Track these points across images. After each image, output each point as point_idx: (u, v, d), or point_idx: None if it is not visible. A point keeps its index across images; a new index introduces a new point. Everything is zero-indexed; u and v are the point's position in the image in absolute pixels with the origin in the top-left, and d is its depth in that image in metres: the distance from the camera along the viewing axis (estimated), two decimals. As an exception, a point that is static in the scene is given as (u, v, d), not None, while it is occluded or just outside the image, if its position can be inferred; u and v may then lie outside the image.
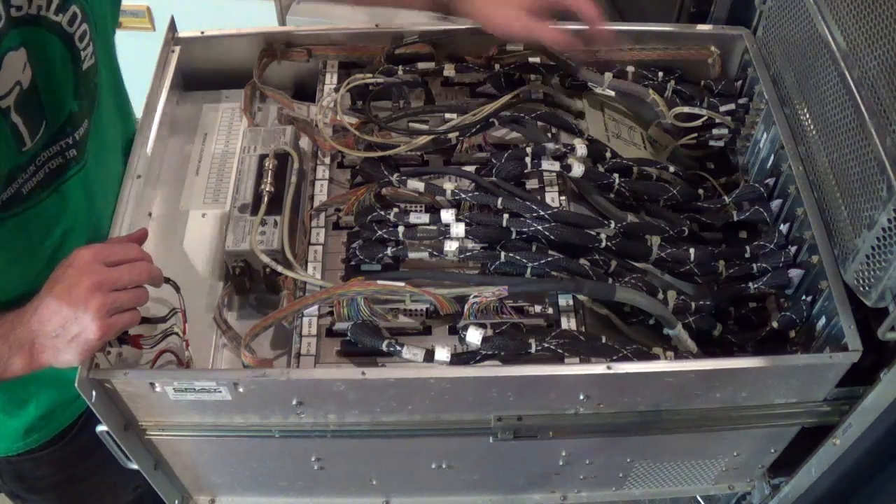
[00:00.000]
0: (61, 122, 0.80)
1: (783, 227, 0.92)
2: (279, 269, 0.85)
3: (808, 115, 0.92)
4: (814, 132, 0.90)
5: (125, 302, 0.74)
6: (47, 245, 0.86)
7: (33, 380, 0.93)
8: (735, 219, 0.95)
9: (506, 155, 0.94)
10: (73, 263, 0.73)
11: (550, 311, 0.86)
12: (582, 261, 0.86)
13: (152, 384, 0.76)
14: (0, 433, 0.97)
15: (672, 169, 0.99)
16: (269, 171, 0.91)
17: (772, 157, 0.97)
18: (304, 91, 1.06)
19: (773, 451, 0.94)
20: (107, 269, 0.73)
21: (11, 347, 0.73)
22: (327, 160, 0.97)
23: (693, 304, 0.88)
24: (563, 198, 0.94)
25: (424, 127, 0.98)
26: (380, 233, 0.88)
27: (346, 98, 1.01)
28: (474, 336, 0.79)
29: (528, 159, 0.93)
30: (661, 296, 0.86)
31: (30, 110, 0.76)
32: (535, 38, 0.93)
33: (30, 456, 0.99)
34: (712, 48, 1.08)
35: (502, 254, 0.85)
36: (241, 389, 0.77)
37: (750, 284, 0.89)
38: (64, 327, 0.71)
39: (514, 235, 0.88)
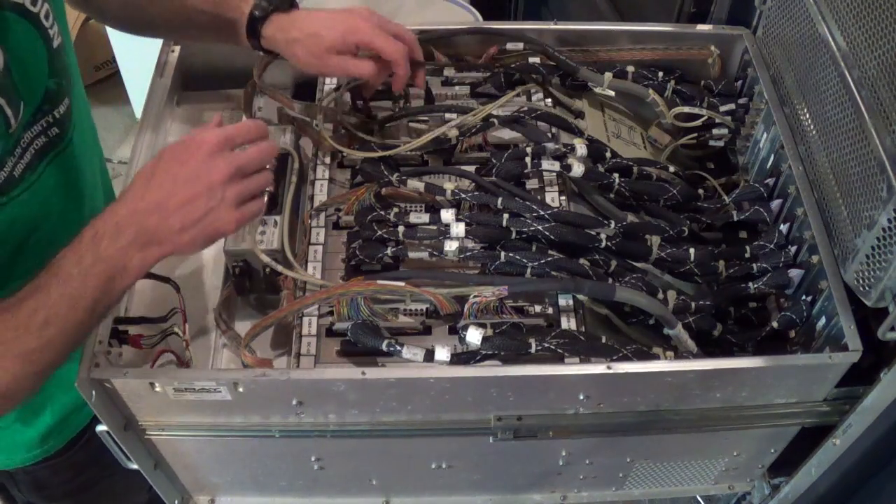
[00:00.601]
0: (39, 102, 0.80)
1: (783, 227, 0.92)
2: (279, 269, 0.85)
3: (808, 115, 0.92)
4: (814, 132, 0.90)
5: (255, 188, 0.71)
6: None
7: (47, 385, 0.93)
8: (735, 219, 0.95)
9: (506, 155, 0.94)
10: (200, 152, 0.68)
11: (550, 311, 0.86)
12: (582, 261, 0.86)
13: (152, 384, 0.76)
14: (17, 443, 0.96)
15: (672, 169, 0.99)
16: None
17: (772, 157, 0.97)
18: (304, 91, 1.06)
19: (773, 451, 0.94)
20: (236, 154, 0.70)
21: (124, 252, 0.68)
22: (327, 160, 0.97)
23: (693, 304, 0.88)
24: (563, 198, 0.94)
25: (424, 127, 0.98)
26: (380, 233, 0.88)
27: (346, 98, 1.01)
28: (474, 336, 0.79)
29: (528, 159, 0.93)
30: (661, 296, 0.86)
31: (8, 92, 0.76)
32: (347, 74, 0.90)
33: (46, 463, 0.99)
34: (712, 48, 1.08)
35: (502, 254, 0.85)
36: (241, 389, 0.77)
37: (750, 284, 0.89)
38: (195, 220, 0.68)
39: (514, 235, 0.88)
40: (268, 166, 0.75)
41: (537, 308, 0.86)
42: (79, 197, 0.90)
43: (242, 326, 0.87)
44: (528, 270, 0.85)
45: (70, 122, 0.85)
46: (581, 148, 0.94)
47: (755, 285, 0.89)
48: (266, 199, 0.72)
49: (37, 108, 0.80)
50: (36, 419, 0.94)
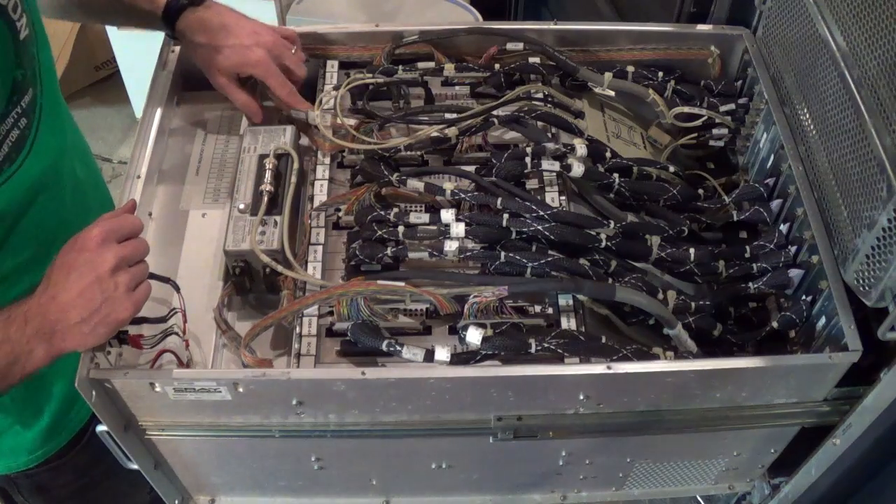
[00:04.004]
0: (8, 93, 0.80)
1: (783, 227, 0.92)
2: (279, 269, 0.85)
3: (808, 115, 0.92)
4: (814, 132, 0.90)
5: (142, 275, 0.75)
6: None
7: (46, 384, 0.93)
8: (735, 219, 0.95)
9: (506, 155, 0.94)
10: (87, 246, 0.72)
11: (550, 311, 0.86)
12: (582, 261, 0.86)
13: (152, 384, 0.76)
14: (19, 446, 0.96)
15: (672, 169, 0.99)
16: (269, 171, 0.91)
17: (772, 157, 0.97)
18: (304, 91, 1.06)
19: (773, 451, 0.94)
20: (121, 245, 0.74)
21: (30, 340, 0.72)
22: (327, 160, 0.97)
23: (693, 304, 0.88)
24: (563, 198, 0.94)
25: (424, 127, 0.98)
26: (380, 233, 0.88)
27: (346, 98, 1.01)
28: (474, 336, 0.79)
29: (528, 159, 0.93)
30: (661, 296, 0.86)
31: None
32: (228, 96, 0.97)
33: (48, 466, 0.99)
34: (712, 48, 1.08)
35: (502, 254, 0.85)
36: (241, 389, 0.77)
37: (750, 284, 0.89)
38: (92, 311, 0.71)
39: (514, 235, 0.88)
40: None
41: (537, 308, 0.86)
42: (60, 184, 0.90)
43: (242, 326, 0.87)
44: (528, 270, 0.85)
45: (34, 113, 0.85)
46: (581, 148, 0.94)
47: (755, 285, 0.89)
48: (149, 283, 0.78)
49: (8, 99, 0.80)
50: (36, 420, 0.94)
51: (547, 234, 0.86)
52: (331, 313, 0.84)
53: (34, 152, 0.83)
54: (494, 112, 0.97)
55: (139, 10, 0.97)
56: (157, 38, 1.03)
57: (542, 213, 0.87)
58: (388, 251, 0.87)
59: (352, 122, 0.97)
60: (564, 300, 0.85)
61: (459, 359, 0.80)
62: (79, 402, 0.98)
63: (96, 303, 0.71)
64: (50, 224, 0.88)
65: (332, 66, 1.06)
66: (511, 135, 1.01)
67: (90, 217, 0.79)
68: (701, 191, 1.00)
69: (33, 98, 0.84)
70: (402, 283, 0.82)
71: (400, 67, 1.02)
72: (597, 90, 1.05)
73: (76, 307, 0.71)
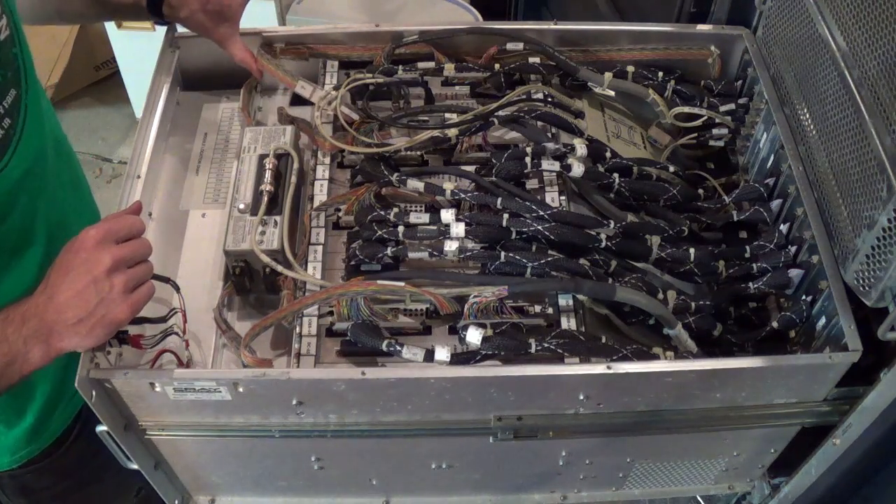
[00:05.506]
0: None
1: (783, 227, 0.92)
2: (279, 269, 0.85)
3: (808, 115, 0.92)
4: (814, 132, 0.90)
5: (142, 275, 0.75)
6: None
7: (29, 385, 0.93)
8: (735, 219, 0.95)
9: (506, 155, 0.94)
10: (84, 246, 0.72)
11: (550, 311, 0.86)
12: (582, 261, 0.86)
13: (152, 384, 0.77)
14: (1, 446, 0.95)
15: (672, 169, 0.99)
16: (269, 171, 0.91)
17: (772, 157, 0.97)
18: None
19: (773, 451, 0.94)
20: (119, 246, 0.73)
21: (27, 341, 0.72)
22: (327, 160, 0.97)
23: (693, 304, 0.88)
24: (563, 198, 0.94)
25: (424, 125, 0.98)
26: (380, 233, 0.88)
27: (346, 98, 1.01)
28: (474, 336, 0.79)
29: (528, 159, 0.93)
30: (661, 296, 0.86)
31: None
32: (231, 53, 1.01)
33: (32, 467, 0.99)
34: (712, 48, 1.08)
35: (502, 254, 0.85)
36: (241, 389, 0.77)
37: (750, 284, 0.89)
38: (88, 312, 0.71)
39: (514, 235, 0.88)
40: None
41: (537, 308, 0.86)
42: (41, 188, 0.90)
43: (242, 326, 0.87)
44: (528, 270, 0.85)
45: (19, 113, 0.85)
46: (581, 148, 0.94)
47: (755, 285, 0.89)
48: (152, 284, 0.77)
49: None
50: (19, 420, 0.94)
51: (547, 234, 0.86)
52: (331, 313, 0.84)
53: (18, 154, 0.83)
54: (494, 112, 0.97)
55: (121, 7, 0.98)
56: (157, 38, 1.04)
57: (542, 213, 0.87)
58: (388, 251, 0.87)
59: (353, 117, 0.97)
60: (564, 300, 0.85)
61: (459, 359, 0.80)
62: (62, 404, 0.98)
63: (92, 304, 0.71)
64: (27, 229, 0.87)
65: (332, 66, 1.06)
66: (511, 135, 1.01)
67: (70, 225, 0.79)
68: (701, 191, 1.00)
69: (17, 99, 0.84)
70: (402, 283, 0.82)
71: (400, 67, 1.02)
72: (597, 90, 1.05)
73: (72, 308, 0.71)
